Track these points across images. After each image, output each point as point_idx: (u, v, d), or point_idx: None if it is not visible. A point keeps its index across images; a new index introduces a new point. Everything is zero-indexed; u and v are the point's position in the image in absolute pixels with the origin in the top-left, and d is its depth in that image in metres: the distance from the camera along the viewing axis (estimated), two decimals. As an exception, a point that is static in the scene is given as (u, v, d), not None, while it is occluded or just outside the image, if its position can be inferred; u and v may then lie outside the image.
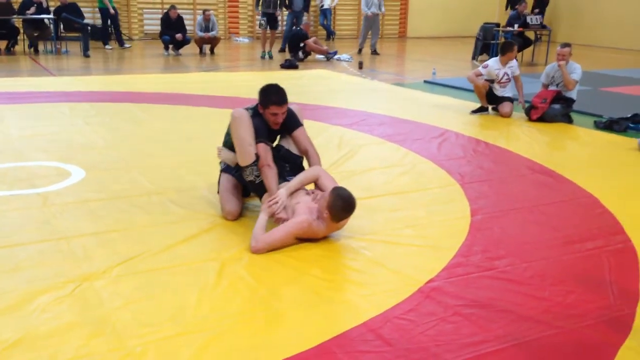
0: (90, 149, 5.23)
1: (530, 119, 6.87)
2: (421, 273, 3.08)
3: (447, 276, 3.06)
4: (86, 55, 11.76)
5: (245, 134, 3.55)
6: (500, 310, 2.74)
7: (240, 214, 3.76)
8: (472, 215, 3.93)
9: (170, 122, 6.40)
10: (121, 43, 13.30)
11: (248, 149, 3.54)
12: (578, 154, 5.75)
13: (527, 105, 7.06)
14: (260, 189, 3.61)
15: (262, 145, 3.57)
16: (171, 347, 2.41)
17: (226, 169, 3.91)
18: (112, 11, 13.02)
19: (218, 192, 3.93)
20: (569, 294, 2.92)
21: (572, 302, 2.85)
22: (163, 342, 2.43)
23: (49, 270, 2.99)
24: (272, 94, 3.66)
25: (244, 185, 3.86)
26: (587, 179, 4.72)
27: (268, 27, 12.26)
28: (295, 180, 3.60)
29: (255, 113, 3.70)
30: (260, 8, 12.22)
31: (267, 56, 12.39)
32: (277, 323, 2.61)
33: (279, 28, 13.78)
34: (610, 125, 6.55)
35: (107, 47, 13.09)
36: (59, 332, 2.48)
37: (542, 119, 6.79)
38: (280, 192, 3.50)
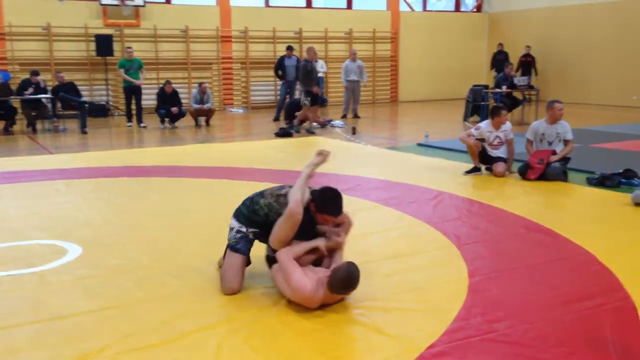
0: (87, 225, 5.25)
1: (525, 179, 6.89)
2: (422, 338, 3.05)
3: (448, 341, 3.03)
4: (84, 132, 11.94)
5: (290, 233, 3.56)
6: (503, 375, 2.71)
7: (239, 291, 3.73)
8: (469, 276, 3.92)
9: (168, 194, 6.45)
10: (140, 121, 12.94)
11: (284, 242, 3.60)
12: (572, 211, 5.79)
13: (518, 166, 7.13)
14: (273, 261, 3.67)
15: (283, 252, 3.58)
16: None
17: (237, 247, 3.77)
18: (137, 83, 12.63)
19: (219, 265, 3.92)
20: (572, 356, 2.89)
21: (575, 363, 2.82)
22: (161, 421, 2.39)
23: (45, 352, 2.96)
24: (330, 204, 3.62)
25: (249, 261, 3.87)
26: (583, 236, 4.74)
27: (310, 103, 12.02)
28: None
29: (306, 209, 3.62)
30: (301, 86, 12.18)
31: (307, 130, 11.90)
32: (277, 397, 2.57)
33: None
34: (603, 181, 6.61)
35: (128, 124, 12.99)
36: (55, 415, 2.43)
37: (544, 177, 6.83)
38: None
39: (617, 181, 6.58)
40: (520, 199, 6.13)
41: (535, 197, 6.23)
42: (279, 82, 15.12)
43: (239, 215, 3.85)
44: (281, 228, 3.56)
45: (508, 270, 4.04)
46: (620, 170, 6.77)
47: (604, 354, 2.91)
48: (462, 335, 3.10)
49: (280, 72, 14.35)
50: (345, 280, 3.35)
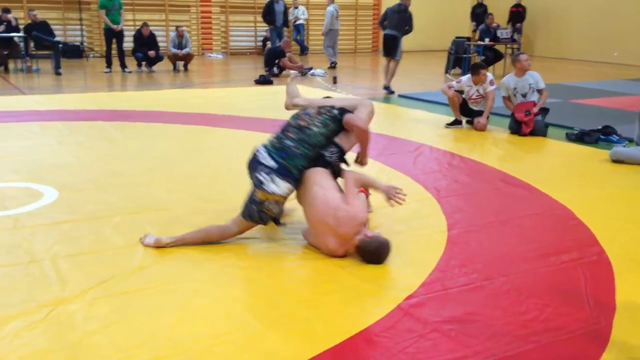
0: (63, 168, 5.15)
1: (521, 134, 6.81)
2: (400, 289, 3.07)
3: (426, 292, 3.06)
4: (57, 73, 11.62)
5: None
6: (479, 326, 2.74)
7: None
8: (448, 229, 3.94)
9: (145, 140, 6.34)
10: (123, 66, 12.30)
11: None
12: (551, 166, 5.83)
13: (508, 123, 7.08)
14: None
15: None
16: (148, 372, 2.36)
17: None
18: (117, 28, 11.89)
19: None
20: (546, 307, 2.93)
21: (550, 315, 2.86)
22: (139, 367, 2.39)
23: (20, 295, 2.92)
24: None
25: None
26: (561, 190, 4.78)
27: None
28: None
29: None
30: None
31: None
32: (255, 344, 2.57)
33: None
34: (582, 137, 6.65)
35: (107, 70, 12.20)
36: (33, 358, 2.42)
37: (532, 133, 6.82)
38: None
39: (596, 137, 6.62)
40: (499, 153, 6.15)
41: (515, 152, 6.25)
42: (260, 28, 14.80)
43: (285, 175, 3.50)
44: (364, 112, 3.85)
45: (486, 224, 4.07)
46: (599, 127, 6.81)
47: (577, 306, 2.96)
48: (440, 286, 3.13)
49: (268, 18, 13.94)
50: (373, 255, 3.37)
